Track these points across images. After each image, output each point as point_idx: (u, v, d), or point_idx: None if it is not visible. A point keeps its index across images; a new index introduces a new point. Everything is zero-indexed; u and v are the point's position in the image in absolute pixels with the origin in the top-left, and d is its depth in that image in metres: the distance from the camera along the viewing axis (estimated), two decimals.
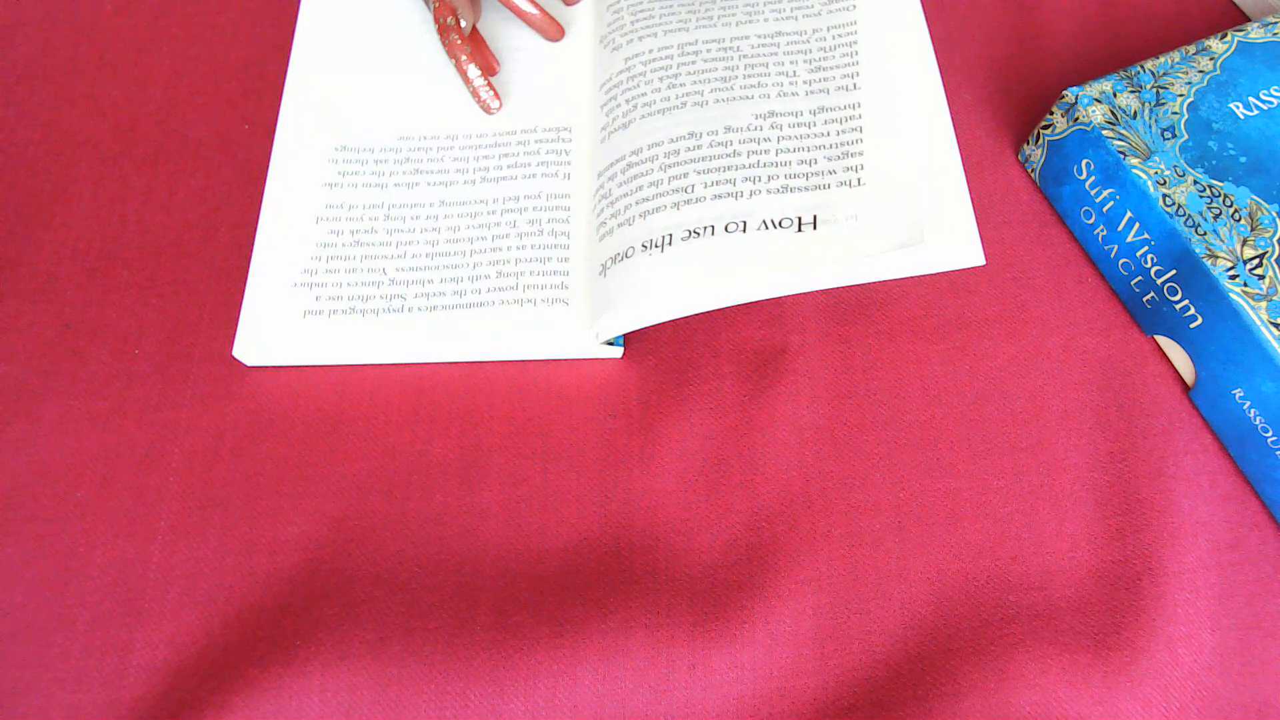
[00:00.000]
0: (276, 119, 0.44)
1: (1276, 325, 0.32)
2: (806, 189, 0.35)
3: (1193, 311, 0.35)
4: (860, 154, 0.35)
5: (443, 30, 0.41)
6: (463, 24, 0.41)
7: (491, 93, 0.41)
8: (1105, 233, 0.38)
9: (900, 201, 0.34)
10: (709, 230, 0.34)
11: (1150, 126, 0.37)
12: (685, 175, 0.36)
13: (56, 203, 0.42)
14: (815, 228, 0.34)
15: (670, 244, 0.35)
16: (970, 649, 0.33)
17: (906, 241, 0.32)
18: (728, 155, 0.37)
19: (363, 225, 0.39)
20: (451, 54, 0.41)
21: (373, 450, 0.37)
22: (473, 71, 0.41)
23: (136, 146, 0.43)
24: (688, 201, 0.36)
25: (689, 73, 0.40)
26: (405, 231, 0.39)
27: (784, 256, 0.33)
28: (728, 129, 0.37)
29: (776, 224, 0.34)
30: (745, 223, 0.34)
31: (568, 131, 0.41)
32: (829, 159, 0.35)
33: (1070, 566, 0.34)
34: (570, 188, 0.40)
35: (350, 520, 0.35)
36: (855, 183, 0.34)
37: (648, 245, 0.35)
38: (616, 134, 0.39)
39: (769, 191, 0.35)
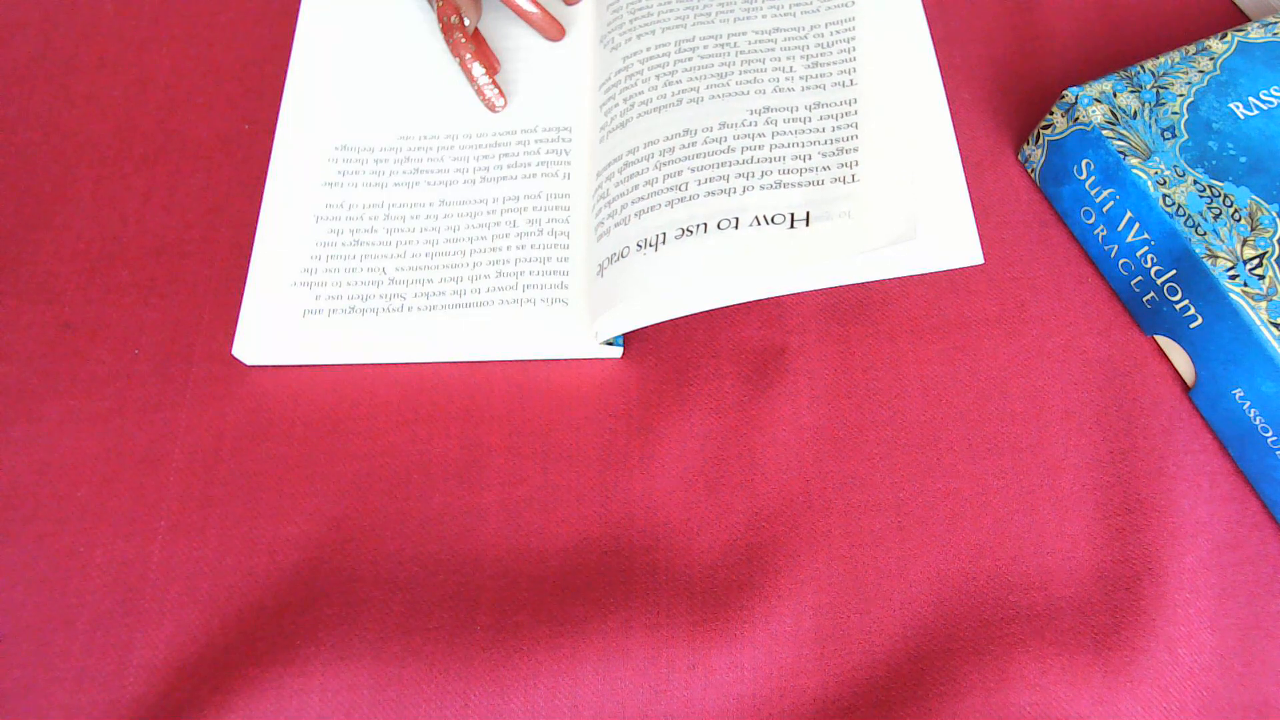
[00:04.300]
0: (276, 119, 0.44)
1: (1276, 325, 0.32)
2: (800, 185, 0.35)
3: (1193, 311, 0.35)
4: (855, 150, 0.35)
5: (446, 29, 0.41)
6: (466, 23, 0.41)
7: (496, 91, 0.41)
8: (1105, 233, 0.38)
9: (893, 198, 0.33)
10: (701, 228, 0.34)
11: (1150, 126, 0.37)
12: (680, 173, 0.36)
13: (56, 203, 0.42)
14: (808, 224, 0.33)
15: (664, 243, 0.35)
16: (970, 649, 0.33)
17: (898, 238, 0.32)
18: (722, 151, 0.36)
19: (362, 225, 0.39)
20: (455, 53, 0.41)
21: (373, 450, 0.37)
22: (477, 70, 0.41)
23: (136, 146, 0.43)
24: (681, 199, 0.35)
25: (685, 70, 0.40)
26: (405, 231, 0.39)
27: (776, 254, 0.33)
28: (722, 125, 0.37)
29: (769, 220, 0.34)
30: (737, 219, 0.34)
31: (568, 131, 0.41)
32: (823, 155, 0.35)
33: (1070, 566, 0.34)
34: (570, 188, 0.40)
35: (350, 520, 0.35)
36: (849, 179, 0.34)
37: (642, 245, 0.35)
38: (615, 133, 0.39)
39: (762, 187, 0.35)
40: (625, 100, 0.40)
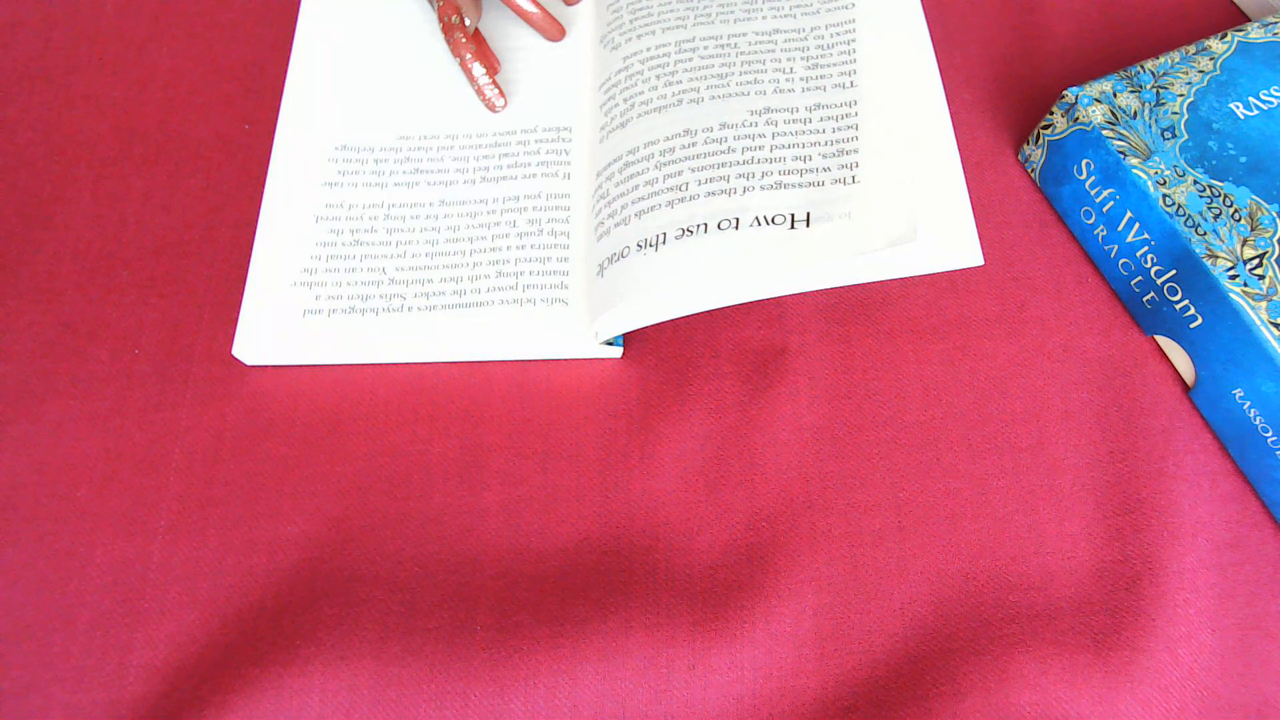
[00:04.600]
0: (276, 119, 0.44)
1: (1276, 325, 0.32)
2: (800, 186, 0.35)
3: (1193, 311, 0.35)
4: (855, 151, 0.35)
5: (447, 29, 0.41)
6: (466, 23, 0.41)
7: (496, 91, 0.41)
8: (1105, 233, 0.38)
9: (893, 199, 0.33)
10: (701, 228, 0.34)
11: (1150, 126, 0.37)
12: (680, 173, 0.36)
13: (56, 203, 0.42)
14: (808, 225, 0.33)
15: (664, 243, 0.35)
16: (970, 649, 0.33)
17: (898, 239, 0.32)
18: (722, 152, 0.36)
19: (362, 224, 0.39)
20: (456, 53, 0.41)
21: (373, 450, 0.37)
22: (477, 70, 0.41)
23: (136, 146, 0.43)
24: (681, 200, 0.36)
25: (686, 70, 0.40)
26: (405, 231, 0.39)
27: (776, 254, 0.33)
28: (723, 125, 0.37)
29: (769, 220, 0.34)
30: (738, 220, 0.34)
31: (568, 131, 0.41)
32: (824, 156, 0.35)
33: (1070, 566, 0.34)
34: (570, 188, 0.40)
35: (350, 520, 0.35)
36: (850, 180, 0.34)
37: (642, 245, 0.35)
38: (615, 133, 0.39)
39: (762, 188, 0.35)
40: (625, 100, 0.40)
